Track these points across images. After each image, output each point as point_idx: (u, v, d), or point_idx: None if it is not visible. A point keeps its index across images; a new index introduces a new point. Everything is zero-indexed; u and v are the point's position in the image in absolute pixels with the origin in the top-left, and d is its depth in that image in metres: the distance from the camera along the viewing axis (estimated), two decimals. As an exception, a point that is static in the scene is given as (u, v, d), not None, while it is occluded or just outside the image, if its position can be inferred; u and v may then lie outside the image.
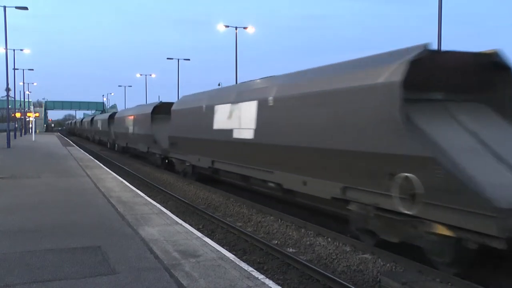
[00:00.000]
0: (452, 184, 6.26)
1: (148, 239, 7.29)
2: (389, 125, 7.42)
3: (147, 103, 36.01)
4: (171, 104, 22.26)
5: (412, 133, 7.09)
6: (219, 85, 22.77)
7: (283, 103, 10.83)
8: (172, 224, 8.54)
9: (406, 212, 7.11)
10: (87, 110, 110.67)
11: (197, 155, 16.58)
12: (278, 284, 6.00)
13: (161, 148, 21.80)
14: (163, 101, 25.57)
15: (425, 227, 6.95)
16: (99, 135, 47.80)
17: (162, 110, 23.72)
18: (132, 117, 28.71)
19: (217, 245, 7.18)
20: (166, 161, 21.99)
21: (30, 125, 74.77)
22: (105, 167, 19.88)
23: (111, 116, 39.00)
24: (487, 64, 7.79)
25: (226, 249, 7.17)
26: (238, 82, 36.12)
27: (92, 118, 55.30)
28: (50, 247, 6.74)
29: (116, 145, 36.53)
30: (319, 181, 9.36)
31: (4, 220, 8.58)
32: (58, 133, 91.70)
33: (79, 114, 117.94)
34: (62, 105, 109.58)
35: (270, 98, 11.36)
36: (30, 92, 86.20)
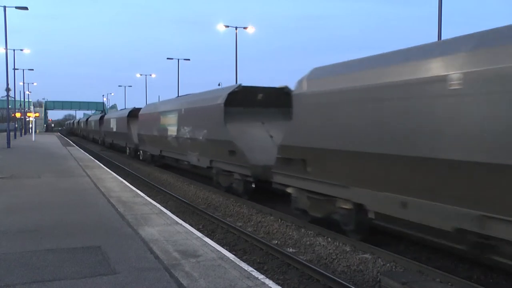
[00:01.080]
0: None
1: (148, 239, 7.29)
2: None
3: (172, 97, 24.05)
4: (256, 89, 14.36)
5: None
6: (219, 85, 20.80)
7: None
8: (172, 224, 8.54)
9: None
10: (87, 110, 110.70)
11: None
12: (278, 284, 6.00)
13: (248, 165, 12.59)
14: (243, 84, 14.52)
15: None
16: (112, 138, 36.91)
17: (240, 99, 14.13)
18: (175, 113, 18.97)
19: (217, 245, 7.18)
20: (253, 185, 13.10)
21: (30, 125, 74.75)
22: (105, 167, 19.88)
23: (133, 113, 29.19)
24: None
25: (226, 249, 7.16)
26: (237, 83, 34.83)
27: (102, 117, 44.16)
28: (50, 247, 6.74)
29: (140, 152, 26.95)
30: None
31: (4, 220, 8.58)
32: (58, 133, 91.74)
33: (79, 114, 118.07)
34: (62, 105, 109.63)
35: None
36: (30, 92, 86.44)
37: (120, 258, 6.21)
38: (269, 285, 5.39)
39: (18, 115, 65.11)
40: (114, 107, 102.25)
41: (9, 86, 37.08)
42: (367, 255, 8.09)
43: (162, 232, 7.82)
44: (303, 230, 9.91)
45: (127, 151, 31.25)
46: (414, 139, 6.80)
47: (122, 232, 7.74)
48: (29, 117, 71.91)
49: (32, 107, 75.81)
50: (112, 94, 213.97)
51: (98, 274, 5.57)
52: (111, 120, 36.19)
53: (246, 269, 5.94)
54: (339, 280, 6.69)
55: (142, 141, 25.64)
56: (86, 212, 9.40)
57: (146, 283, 5.29)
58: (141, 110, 26.87)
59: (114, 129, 34.54)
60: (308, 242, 9.08)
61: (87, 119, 60.94)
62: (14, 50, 45.99)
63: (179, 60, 49.10)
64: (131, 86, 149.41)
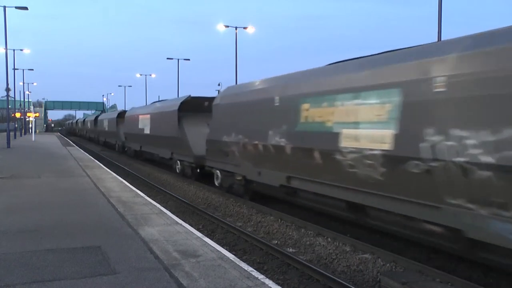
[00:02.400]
0: None
1: (148, 239, 7.29)
2: None
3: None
4: None
5: None
6: (219, 85, 20.54)
7: None
8: (172, 224, 8.54)
9: None
10: (87, 110, 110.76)
11: None
12: (278, 284, 6.00)
13: None
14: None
15: None
16: (141, 144, 25.37)
17: None
18: (396, 92, 7.13)
19: (217, 245, 7.19)
20: None
21: (30, 125, 74.75)
22: (105, 167, 19.88)
23: (187, 106, 17.92)
24: None
25: (226, 249, 7.17)
26: (237, 83, 34.78)
27: (122, 114, 32.34)
28: (50, 247, 6.74)
29: (218, 174, 14.68)
30: None
31: (4, 220, 8.58)
32: (58, 133, 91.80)
33: (79, 114, 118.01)
34: (62, 105, 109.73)
35: None
36: (30, 92, 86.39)
37: (120, 258, 6.21)
38: (269, 285, 5.39)
39: (18, 115, 65.12)
40: (114, 107, 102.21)
41: (9, 86, 37.08)
42: (367, 255, 8.09)
43: (162, 232, 7.82)
44: (303, 230, 9.91)
45: (177, 167, 19.47)
46: None
47: (122, 232, 7.74)
48: (29, 117, 71.91)
49: (32, 107, 75.82)
50: (112, 94, 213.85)
51: (98, 274, 5.57)
52: (140, 117, 24.54)
53: (246, 269, 5.94)
54: (339, 280, 6.69)
55: (218, 153, 14.18)
56: (86, 212, 9.40)
57: (146, 283, 5.29)
58: (221, 94, 14.91)
59: (146, 131, 23.16)
60: (308, 242, 9.09)
61: (96, 117, 48.15)
62: (14, 50, 46.02)
63: (179, 60, 49.15)
64: (131, 86, 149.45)
